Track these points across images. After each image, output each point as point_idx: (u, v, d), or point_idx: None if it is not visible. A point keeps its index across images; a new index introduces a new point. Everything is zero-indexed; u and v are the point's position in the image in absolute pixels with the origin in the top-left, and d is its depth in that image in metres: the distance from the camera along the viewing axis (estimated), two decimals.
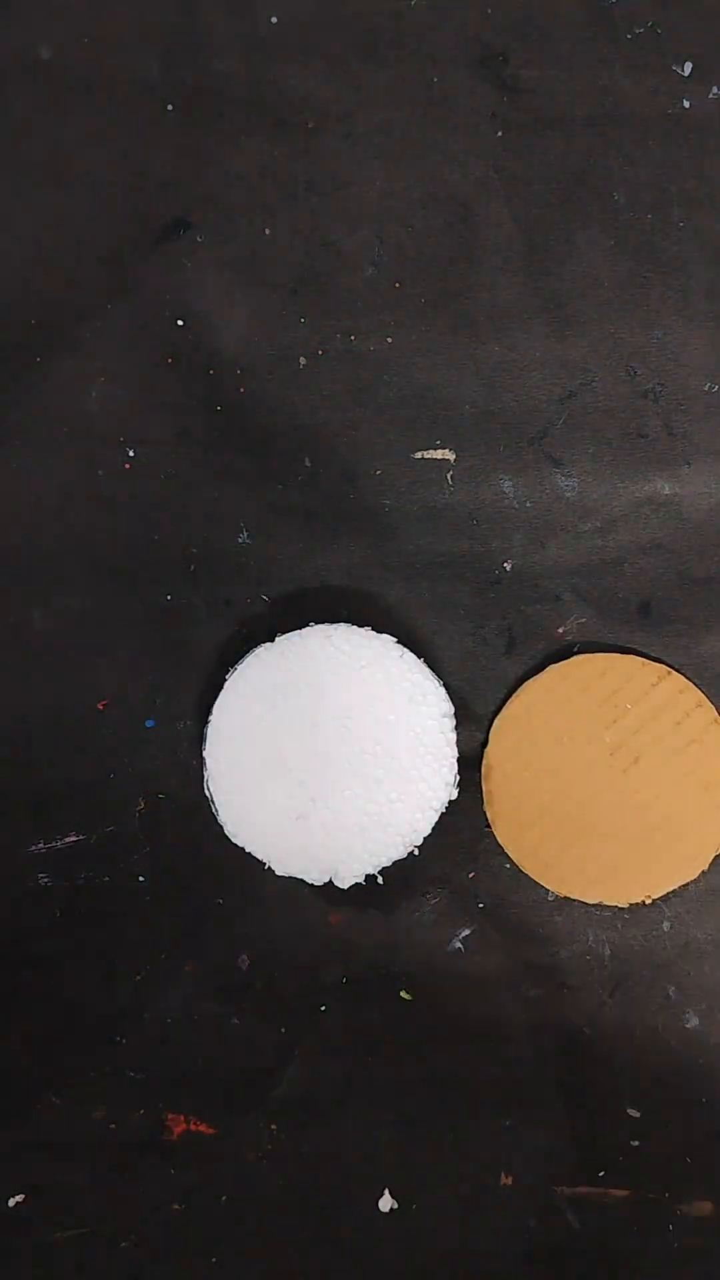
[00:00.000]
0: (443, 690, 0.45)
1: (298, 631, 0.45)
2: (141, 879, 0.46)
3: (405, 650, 0.45)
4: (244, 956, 0.46)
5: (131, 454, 0.47)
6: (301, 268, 0.47)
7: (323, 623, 0.45)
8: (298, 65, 0.47)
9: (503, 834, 0.46)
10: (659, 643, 0.47)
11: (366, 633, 0.45)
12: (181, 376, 0.47)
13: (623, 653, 0.47)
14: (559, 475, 0.47)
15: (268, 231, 0.47)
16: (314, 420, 0.47)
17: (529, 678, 0.47)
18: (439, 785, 0.44)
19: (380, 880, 0.45)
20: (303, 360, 0.47)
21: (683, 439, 0.47)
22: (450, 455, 0.47)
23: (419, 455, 0.47)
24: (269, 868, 0.45)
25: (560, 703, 0.46)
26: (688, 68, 0.47)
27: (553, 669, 0.46)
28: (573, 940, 0.47)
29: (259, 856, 0.45)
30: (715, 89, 0.47)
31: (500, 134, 0.47)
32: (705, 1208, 0.46)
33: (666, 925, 0.47)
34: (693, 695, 0.46)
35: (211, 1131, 0.46)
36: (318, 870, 0.44)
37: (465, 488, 0.47)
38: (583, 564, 0.47)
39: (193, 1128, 0.46)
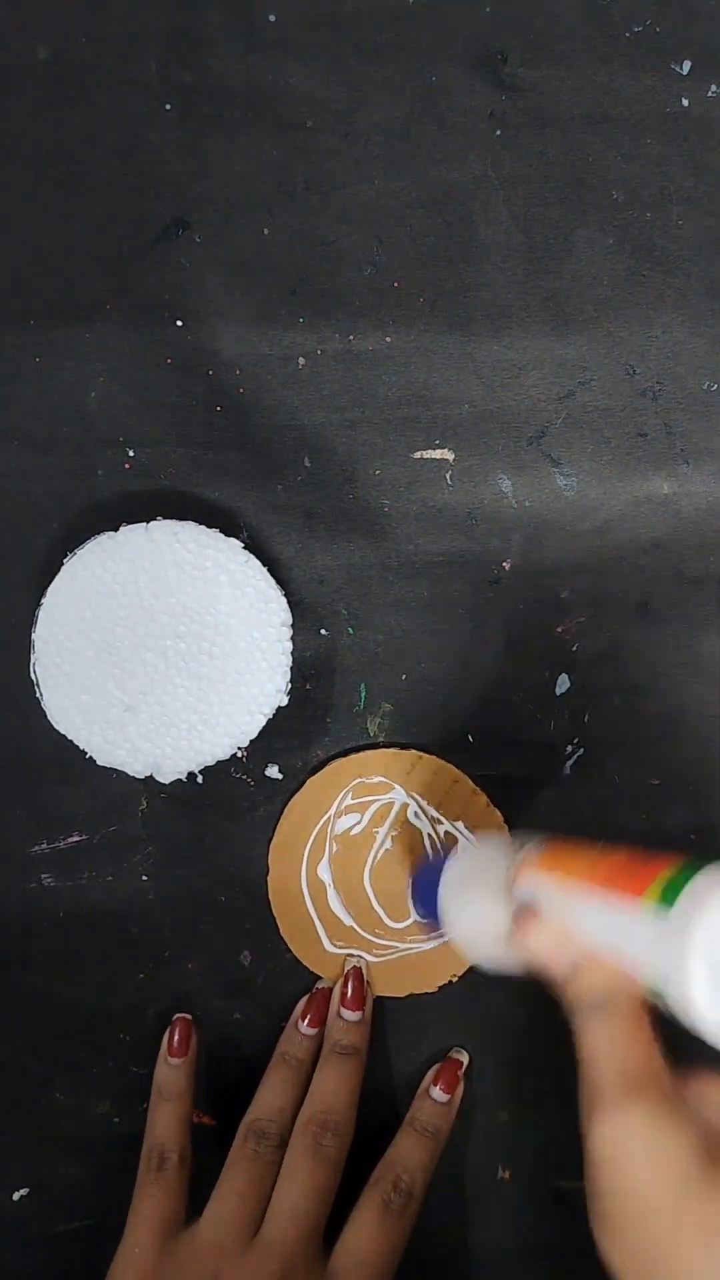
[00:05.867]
0: (284, 599, 0.44)
1: (143, 524, 0.44)
2: (144, 878, 0.46)
3: (251, 556, 0.44)
4: (246, 953, 0.47)
5: (131, 454, 0.47)
6: (301, 268, 0.47)
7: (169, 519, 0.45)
8: (297, 65, 0.47)
9: (300, 955, 0.47)
10: (657, 640, 0.47)
11: (214, 534, 0.44)
12: (181, 376, 0.47)
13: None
14: (558, 474, 0.47)
15: (267, 231, 0.47)
16: (314, 420, 0.47)
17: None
18: (270, 691, 0.44)
19: (200, 779, 0.45)
20: (302, 360, 0.47)
21: (681, 438, 0.47)
22: (449, 455, 0.47)
23: (418, 455, 0.47)
24: (89, 756, 0.44)
25: (326, 811, 0.46)
26: (686, 66, 0.47)
27: (311, 781, 0.46)
28: None
29: (80, 745, 0.44)
30: (714, 87, 0.47)
31: (499, 133, 0.47)
32: None
33: None
34: (449, 773, 0.46)
35: (213, 1124, 0.46)
36: (140, 763, 0.44)
37: (464, 487, 0.47)
38: (581, 563, 0.47)
39: (195, 1120, 0.46)
